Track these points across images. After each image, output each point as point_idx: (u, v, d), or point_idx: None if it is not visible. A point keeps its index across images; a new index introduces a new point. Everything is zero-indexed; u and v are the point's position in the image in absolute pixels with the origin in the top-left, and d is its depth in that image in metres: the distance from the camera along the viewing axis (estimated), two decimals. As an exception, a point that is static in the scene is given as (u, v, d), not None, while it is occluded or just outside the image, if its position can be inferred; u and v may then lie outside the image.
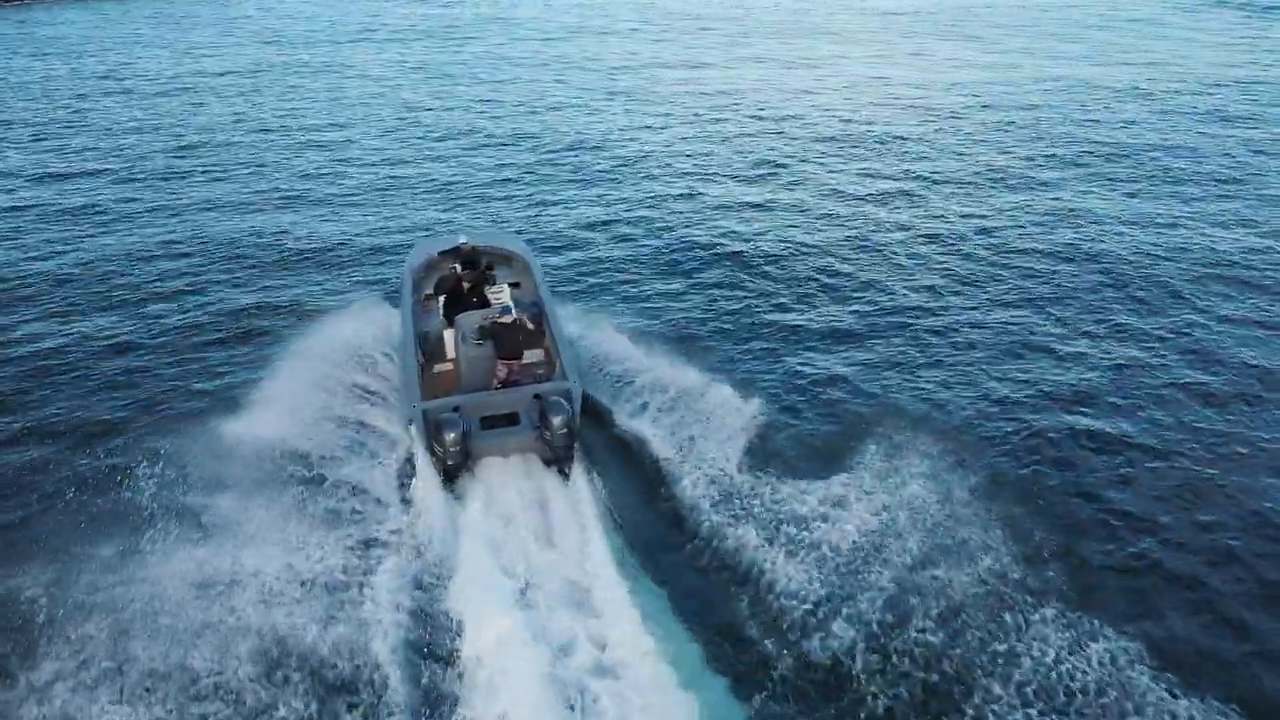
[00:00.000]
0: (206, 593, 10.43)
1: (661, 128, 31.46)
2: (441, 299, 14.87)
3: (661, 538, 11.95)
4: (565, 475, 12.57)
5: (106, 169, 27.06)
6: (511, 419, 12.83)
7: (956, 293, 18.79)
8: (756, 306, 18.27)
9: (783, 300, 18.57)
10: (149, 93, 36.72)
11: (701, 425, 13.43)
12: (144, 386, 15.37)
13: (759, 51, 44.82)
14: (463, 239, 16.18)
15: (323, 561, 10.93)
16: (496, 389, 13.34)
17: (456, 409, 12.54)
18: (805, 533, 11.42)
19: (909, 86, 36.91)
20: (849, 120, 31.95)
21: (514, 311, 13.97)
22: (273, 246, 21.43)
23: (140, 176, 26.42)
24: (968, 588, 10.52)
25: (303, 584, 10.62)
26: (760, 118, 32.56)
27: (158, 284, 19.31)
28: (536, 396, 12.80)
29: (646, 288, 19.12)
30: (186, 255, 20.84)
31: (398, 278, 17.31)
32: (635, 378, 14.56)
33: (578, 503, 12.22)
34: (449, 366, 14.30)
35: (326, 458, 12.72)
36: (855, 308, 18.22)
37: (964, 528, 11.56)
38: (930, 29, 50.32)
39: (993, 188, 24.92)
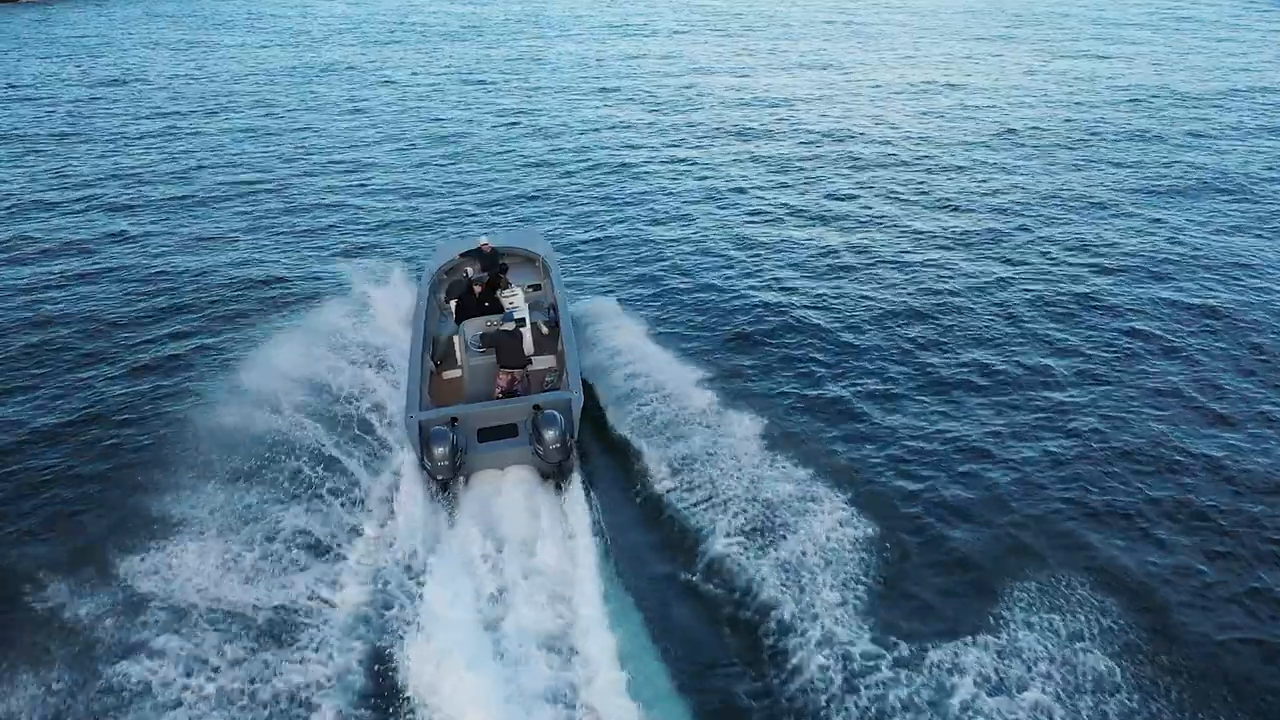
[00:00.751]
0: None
1: (707, 144, 28.78)
2: (453, 303, 14.25)
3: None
4: (560, 489, 11.90)
5: (101, 194, 24.69)
6: (510, 430, 12.22)
7: (1076, 370, 15.86)
8: (839, 388, 15.32)
9: (870, 379, 15.65)
10: (161, 99, 34.63)
11: (807, 558, 10.99)
12: (76, 494, 12.72)
13: (807, 55, 41.99)
14: (483, 239, 15.66)
15: None
16: (498, 398, 12.78)
17: (454, 420, 11.98)
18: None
19: (975, 93, 34.03)
20: (911, 137, 29.07)
21: (525, 317, 13.38)
22: (274, 285, 19.05)
23: (140, 203, 24.03)
24: None
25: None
26: (816, 133, 29.74)
27: (140, 350, 16.63)
28: (537, 407, 12.09)
29: (708, 358, 16.01)
30: (176, 308, 18.24)
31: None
32: (726, 491, 12.03)
33: (575, 550, 10.90)
34: (458, 373, 13.75)
35: (270, 603, 10.36)
36: (958, 393, 15.18)
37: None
38: (987, 30, 47.31)
39: (1095, 225, 21.95)
